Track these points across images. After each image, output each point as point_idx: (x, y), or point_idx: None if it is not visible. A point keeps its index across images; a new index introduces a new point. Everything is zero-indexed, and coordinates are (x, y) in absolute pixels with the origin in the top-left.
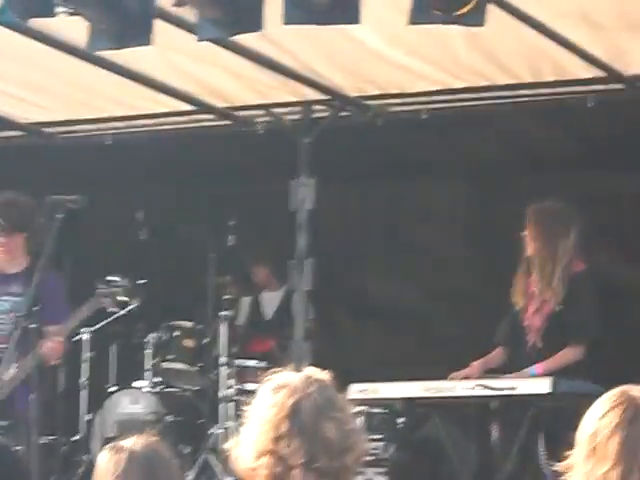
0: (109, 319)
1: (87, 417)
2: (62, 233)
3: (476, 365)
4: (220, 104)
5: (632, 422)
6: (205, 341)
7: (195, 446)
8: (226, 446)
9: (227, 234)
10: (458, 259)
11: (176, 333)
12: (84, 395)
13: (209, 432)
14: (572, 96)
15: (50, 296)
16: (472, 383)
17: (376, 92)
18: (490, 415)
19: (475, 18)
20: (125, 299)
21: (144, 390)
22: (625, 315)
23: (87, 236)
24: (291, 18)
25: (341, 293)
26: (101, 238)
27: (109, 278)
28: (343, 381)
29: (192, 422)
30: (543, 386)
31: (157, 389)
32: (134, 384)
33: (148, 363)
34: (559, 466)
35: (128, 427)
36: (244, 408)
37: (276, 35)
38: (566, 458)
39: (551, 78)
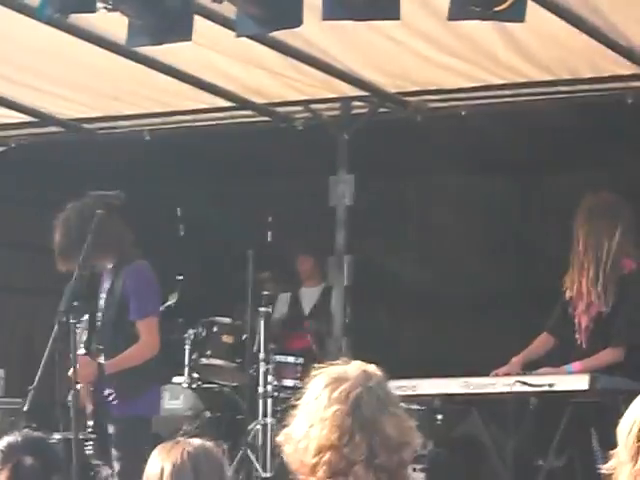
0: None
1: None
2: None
3: (516, 361)
4: (259, 100)
5: None
6: (244, 337)
7: (234, 442)
8: (278, 440)
9: (266, 230)
10: (497, 256)
11: (215, 329)
12: None
13: (248, 428)
14: (611, 92)
15: (132, 289)
16: (511, 379)
17: (415, 88)
18: (529, 411)
19: (515, 14)
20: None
21: (183, 386)
22: None
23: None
24: (330, 13)
25: (378, 289)
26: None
27: None
28: None
29: (231, 418)
30: (582, 382)
31: (196, 385)
32: (173, 380)
33: (187, 359)
34: (605, 467)
35: (167, 423)
36: (296, 402)
37: (314, 32)
38: (611, 457)
39: (589, 75)
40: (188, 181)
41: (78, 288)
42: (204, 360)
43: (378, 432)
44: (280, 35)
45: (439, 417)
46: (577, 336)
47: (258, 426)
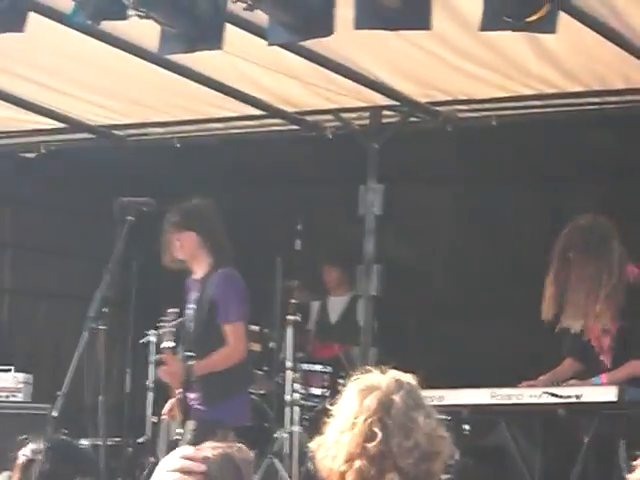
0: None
1: (153, 419)
2: (132, 236)
3: (543, 379)
4: (289, 109)
5: None
6: (271, 345)
7: (260, 450)
8: (310, 446)
9: (295, 238)
10: (527, 265)
11: None
12: (150, 397)
13: (274, 436)
14: None
15: (221, 294)
16: (539, 391)
17: (445, 98)
18: (556, 422)
19: (547, 25)
20: None
21: None
22: None
23: (155, 239)
24: (362, 23)
25: (407, 298)
26: None
27: None
28: None
29: (257, 426)
30: (609, 394)
31: None
32: None
33: None
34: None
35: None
36: (321, 410)
37: (345, 41)
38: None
39: (620, 86)
40: (217, 189)
41: (108, 294)
42: None
43: (407, 441)
44: (311, 44)
45: (466, 427)
46: (601, 358)
47: (285, 434)
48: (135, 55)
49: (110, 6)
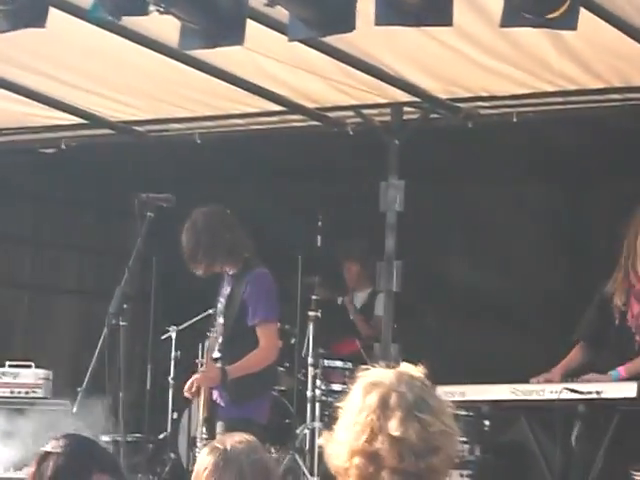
0: (196, 318)
1: (174, 415)
2: (151, 232)
3: (556, 371)
4: (310, 105)
5: None
6: (292, 341)
7: (282, 446)
8: (319, 443)
9: (316, 234)
10: (547, 259)
11: None
12: (171, 393)
13: (296, 432)
14: None
15: (253, 294)
16: (559, 386)
17: (466, 95)
18: (577, 418)
19: (568, 22)
20: None
21: None
22: None
23: (175, 235)
24: (383, 19)
25: (427, 294)
26: None
27: None
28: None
29: (279, 422)
30: (630, 390)
31: None
32: None
33: None
34: None
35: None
36: (336, 406)
37: (366, 37)
38: None
39: None
40: (238, 184)
41: (128, 290)
42: None
43: (404, 438)
44: (332, 40)
45: (487, 423)
46: (638, 338)
47: (306, 430)
48: (155, 51)
49: (130, 2)
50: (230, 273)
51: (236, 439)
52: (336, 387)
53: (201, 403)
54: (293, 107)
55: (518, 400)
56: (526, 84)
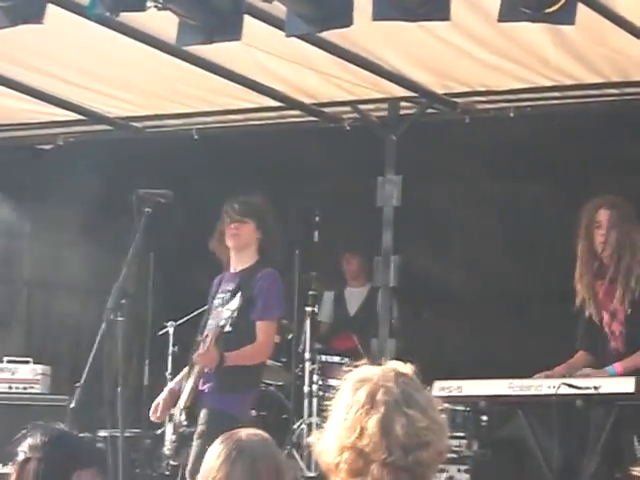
0: (193, 313)
1: (172, 411)
2: (149, 228)
3: (558, 369)
4: (307, 100)
5: None
6: (290, 336)
7: (279, 441)
8: (310, 440)
9: (313, 230)
10: (545, 258)
11: None
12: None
13: (293, 427)
14: None
15: (263, 290)
16: (557, 382)
17: (463, 89)
18: (574, 413)
19: (565, 16)
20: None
21: None
22: None
23: (172, 231)
24: (380, 14)
25: (424, 290)
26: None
27: None
28: (426, 379)
29: (276, 417)
30: (627, 385)
31: None
32: None
33: None
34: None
35: None
36: (327, 403)
37: (363, 32)
38: None
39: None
40: (236, 180)
41: (126, 286)
42: None
43: (391, 432)
44: (329, 35)
45: (484, 418)
46: (612, 344)
47: (303, 425)
48: (153, 47)
49: None
50: (234, 270)
51: (250, 432)
52: (333, 382)
53: (187, 391)
54: (290, 103)
55: (516, 395)
56: (523, 79)
